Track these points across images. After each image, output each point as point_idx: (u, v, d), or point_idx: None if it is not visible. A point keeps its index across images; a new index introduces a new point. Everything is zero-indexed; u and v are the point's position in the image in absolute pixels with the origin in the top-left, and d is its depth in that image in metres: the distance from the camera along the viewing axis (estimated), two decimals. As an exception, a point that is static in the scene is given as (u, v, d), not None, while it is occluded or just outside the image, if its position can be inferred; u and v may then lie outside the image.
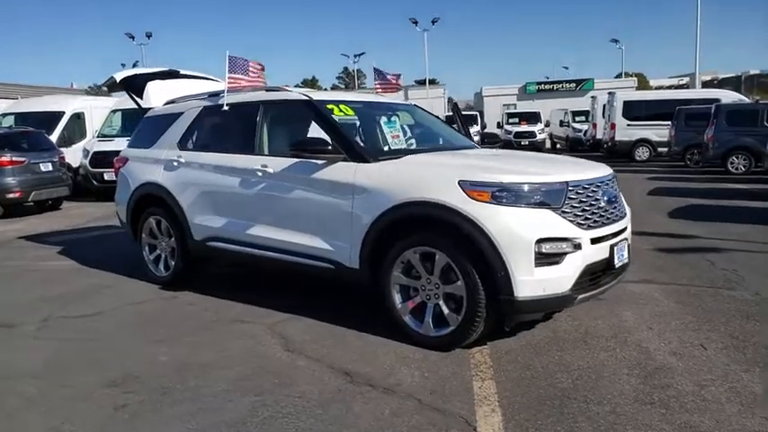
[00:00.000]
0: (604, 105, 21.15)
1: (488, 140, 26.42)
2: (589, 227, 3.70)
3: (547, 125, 27.57)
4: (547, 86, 31.70)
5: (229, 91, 5.10)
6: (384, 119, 4.97)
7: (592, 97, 24.37)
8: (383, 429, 2.85)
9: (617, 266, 3.89)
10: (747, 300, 4.70)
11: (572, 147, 25.71)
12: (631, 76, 45.88)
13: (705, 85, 48.17)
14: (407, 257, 3.86)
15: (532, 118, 26.98)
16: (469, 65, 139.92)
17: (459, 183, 3.64)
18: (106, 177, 12.49)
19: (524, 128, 26.09)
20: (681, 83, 67.54)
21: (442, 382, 3.34)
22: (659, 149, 18.96)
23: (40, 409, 3.21)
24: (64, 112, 14.21)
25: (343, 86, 65.35)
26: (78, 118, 14.50)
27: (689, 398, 3.09)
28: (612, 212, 3.95)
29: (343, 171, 4.16)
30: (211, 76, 7.10)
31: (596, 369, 3.48)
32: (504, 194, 3.56)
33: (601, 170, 4.10)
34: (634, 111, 19.34)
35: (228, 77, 5.10)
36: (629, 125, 19.26)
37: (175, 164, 5.35)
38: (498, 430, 2.82)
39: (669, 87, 59.88)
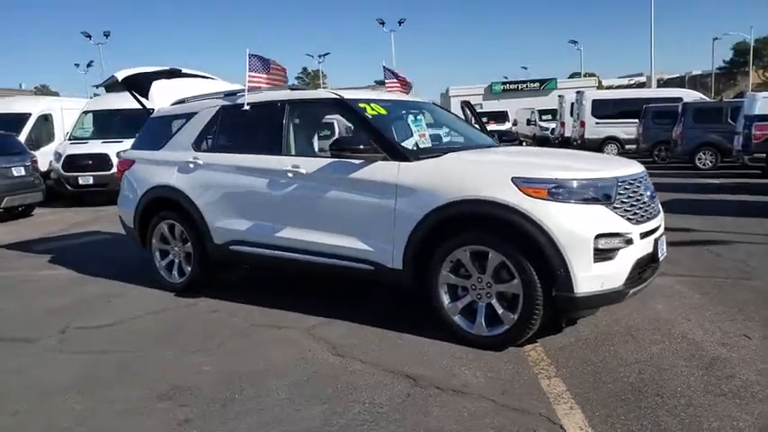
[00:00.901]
0: (572, 104, 21.60)
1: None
2: (637, 221, 3.74)
3: (514, 124, 27.96)
4: (512, 86, 32.22)
5: (249, 90, 4.95)
6: (411, 117, 4.91)
7: (559, 96, 24.85)
8: (470, 432, 2.81)
9: (660, 260, 3.95)
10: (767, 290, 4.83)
11: (540, 145, 26.12)
12: (585, 76, 47.02)
13: (642, 85, 49.84)
14: (457, 256, 3.82)
15: (500, 117, 27.33)
16: (435, 65, 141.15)
17: (512, 180, 3.62)
18: (81, 182, 12.08)
19: (494, 127, 26.40)
20: (631, 83, 69.50)
21: (509, 382, 3.31)
22: (627, 147, 19.45)
23: (93, 426, 3.04)
24: (30, 114, 13.62)
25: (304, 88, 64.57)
26: (46, 120, 13.95)
27: (756, 387, 3.14)
28: (653, 207, 4.00)
29: (385, 170, 4.09)
30: (210, 75, 6.92)
31: (654, 362, 3.50)
32: (560, 191, 3.56)
33: (637, 166, 4.15)
34: (602, 109, 19.80)
35: (249, 76, 4.95)
36: (597, 123, 19.71)
37: (191, 165, 5.16)
38: (585, 428, 2.81)
39: (618, 87, 61.52)
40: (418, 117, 4.94)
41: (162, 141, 5.61)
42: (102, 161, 12.01)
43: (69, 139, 12.94)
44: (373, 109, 4.56)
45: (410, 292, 4.20)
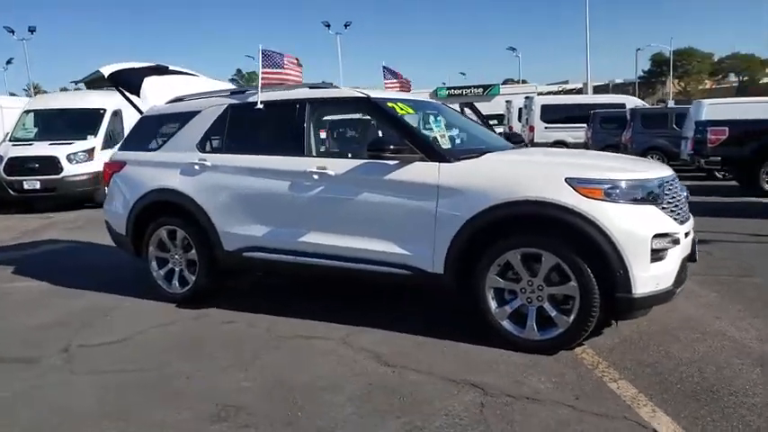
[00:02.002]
0: (520, 109, 22.12)
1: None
2: (681, 221, 3.77)
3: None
4: (456, 91, 32.64)
5: (263, 88, 4.69)
6: (431, 117, 4.79)
7: (507, 101, 25.39)
8: (567, 441, 2.71)
9: (697, 260, 4.00)
10: (774, 286, 5.01)
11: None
12: (519, 82, 48.35)
13: (579, 91, 51.84)
14: (507, 259, 3.72)
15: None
16: (379, 70, 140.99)
17: (566, 180, 3.57)
18: (26, 186, 11.28)
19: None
20: (560, 89, 72.22)
21: (578, 387, 3.24)
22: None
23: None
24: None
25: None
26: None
27: (816, 382, 3.20)
28: (687, 209, 4.05)
29: (424, 172, 3.94)
30: (195, 72, 6.56)
31: (709, 361, 3.52)
32: (615, 191, 3.53)
33: (668, 169, 4.18)
34: (551, 114, 20.36)
35: (262, 73, 4.70)
36: (546, 128, 20.24)
37: (197, 168, 4.83)
38: (678, 430, 2.76)
39: (549, 93, 63.55)
40: (438, 117, 4.83)
41: (158, 142, 5.25)
42: (50, 164, 11.26)
43: (10, 140, 12.02)
44: (402, 109, 4.42)
45: (450, 297, 4.07)
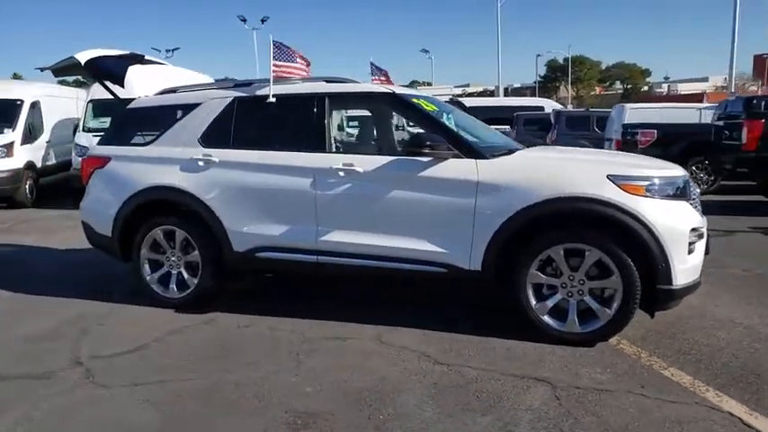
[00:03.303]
0: (444, 110, 22.61)
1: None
2: (702, 216, 4.02)
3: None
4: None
5: (275, 81, 4.48)
6: (444, 116, 4.79)
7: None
8: (665, 428, 2.80)
9: (709, 252, 4.28)
10: (749, 275, 5.45)
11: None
12: (424, 84, 49.47)
13: (481, 94, 53.67)
14: (548, 255, 3.80)
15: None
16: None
17: (608, 177, 3.70)
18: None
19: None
20: (464, 92, 74.69)
21: (637, 376, 3.37)
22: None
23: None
24: None
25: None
26: None
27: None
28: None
29: (462, 168, 3.94)
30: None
31: (737, 347, 3.75)
32: (654, 188, 3.71)
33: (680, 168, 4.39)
34: (475, 116, 20.85)
35: (273, 65, 4.49)
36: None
37: (201, 164, 4.54)
38: (751, 413, 2.93)
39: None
40: (449, 115, 4.84)
41: (148, 136, 4.88)
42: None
43: None
44: (426, 105, 4.39)
45: (468, 293, 4.10)
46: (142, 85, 5.06)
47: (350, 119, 6.42)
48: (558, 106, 21.26)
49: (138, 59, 5.36)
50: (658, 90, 74.03)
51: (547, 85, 79.93)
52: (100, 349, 3.92)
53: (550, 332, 3.84)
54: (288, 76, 4.56)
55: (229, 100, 4.63)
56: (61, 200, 11.00)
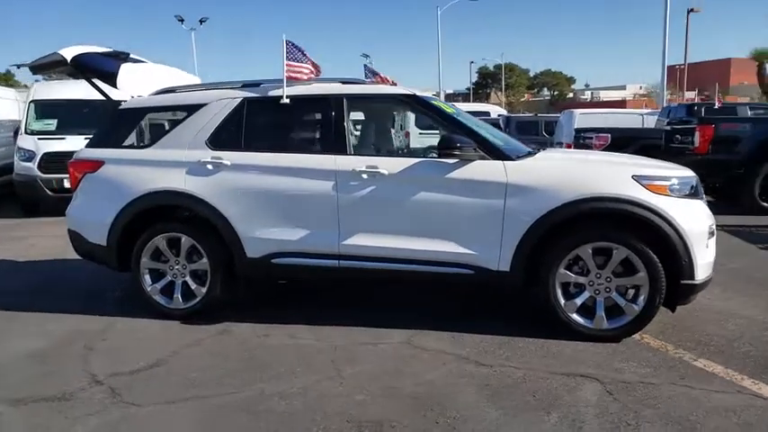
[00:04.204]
0: (394, 114, 22.76)
1: None
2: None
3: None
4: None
5: (288, 82, 4.36)
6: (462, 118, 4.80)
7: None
8: (723, 417, 2.91)
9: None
10: (724, 269, 5.74)
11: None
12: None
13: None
14: (576, 254, 3.88)
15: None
16: (235, 68, 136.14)
17: (633, 178, 3.82)
18: None
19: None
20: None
21: (673, 368, 3.47)
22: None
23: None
24: None
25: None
26: None
27: None
28: None
29: (490, 170, 3.96)
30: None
31: (751, 336, 3.94)
32: (676, 187, 3.86)
33: None
34: (425, 120, 21.16)
35: (287, 65, 4.36)
36: (420, 133, 20.96)
37: (210, 167, 4.35)
38: (791, 397, 3.10)
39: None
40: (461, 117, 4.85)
41: (146, 138, 4.65)
42: None
43: None
44: (446, 108, 4.39)
45: (481, 293, 4.12)
46: (135, 85, 4.79)
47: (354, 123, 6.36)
48: (504, 112, 21.84)
49: (123, 58, 5.08)
50: (582, 97, 77.28)
51: (478, 92, 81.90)
52: (115, 366, 3.67)
53: (579, 329, 3.91)
54: (300, 77, 4.43)
55: (239, 100, 4.46)
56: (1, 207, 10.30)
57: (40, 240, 7.65)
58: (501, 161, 3.99)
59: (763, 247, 6.74)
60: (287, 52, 4.38)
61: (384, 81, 6.00)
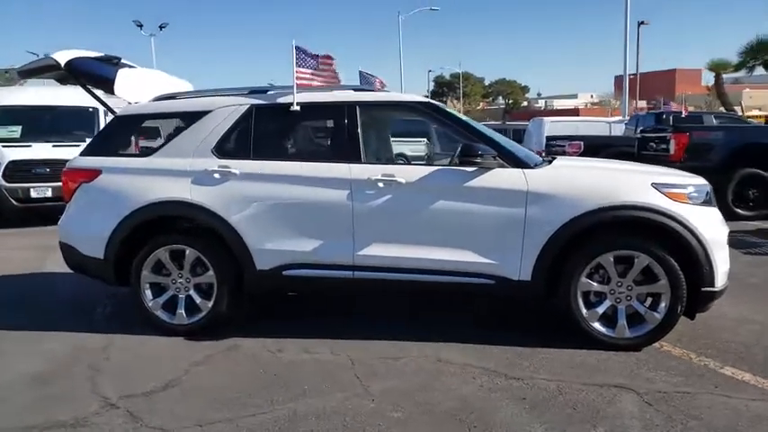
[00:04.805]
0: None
1: None
2: (724, 223, 4.27)
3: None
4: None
5: (298, 89, 4.22)
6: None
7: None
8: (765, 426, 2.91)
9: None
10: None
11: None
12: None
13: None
14: (598, 262, 3.86)
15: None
16: (201, 72, 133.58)
17: (653, 186, 3.83)
18: None
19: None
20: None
21: (704, 377, 3.47)
22: (413, 162, 21.14)
23: None
24: None
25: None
26: None
27: None
28: None
29: (511, 178, 3.92)
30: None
31: (763, 341, 4.02)
32: (694, 195, 3.89)
33: None
34: (393, 128, 21.16)
35: (297, 72, 4.22)
36: (393, 141, 21.01)
37: (217, 176, 4.16)
38: (822, 403, 3.14)
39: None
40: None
41: (145, 146, 4.41)
42: None
43: None
44: (461, 115, 4.32)
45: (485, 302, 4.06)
46: (134, 91, 4.57)
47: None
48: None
49: (116, 62, 4.85)
50: (536, 105, 78.92)
51: (434, 100, 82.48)
52: (126, 387, 3.45)
53: (601, 338, 3.89)
54: (312, 83, 4.31)
55: (246, 108, 4.29)
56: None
57: (13, 254, 7.23)
58: (521, 169, 3.96)
59: (746, 252, 6.92)
60: (297, 59, 4.25)
61: (381, 88, 5.92)
